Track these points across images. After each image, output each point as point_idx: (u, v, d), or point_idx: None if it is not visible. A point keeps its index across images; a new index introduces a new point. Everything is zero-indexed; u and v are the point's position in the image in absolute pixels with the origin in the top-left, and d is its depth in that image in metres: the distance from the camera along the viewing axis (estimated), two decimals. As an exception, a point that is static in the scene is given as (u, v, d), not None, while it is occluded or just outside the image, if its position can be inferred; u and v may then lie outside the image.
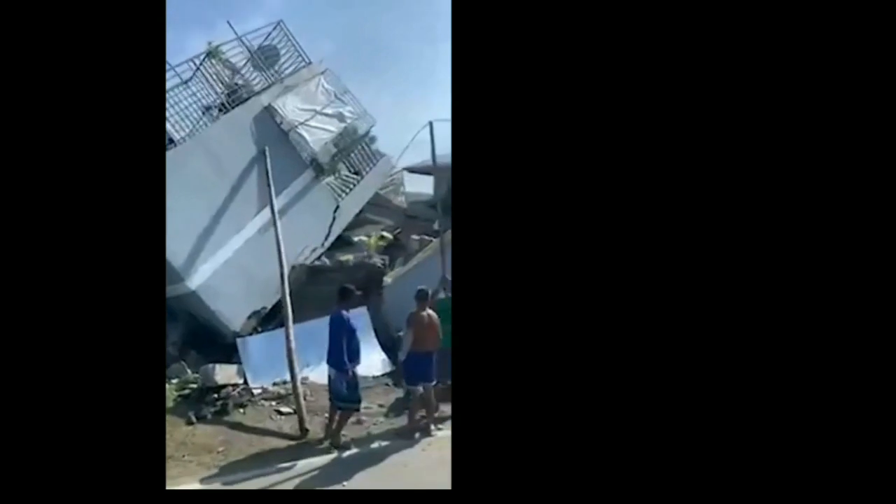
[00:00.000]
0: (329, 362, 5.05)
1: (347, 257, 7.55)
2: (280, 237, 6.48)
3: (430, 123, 6.61)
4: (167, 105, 6.65)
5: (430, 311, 5.28)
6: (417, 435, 5.13)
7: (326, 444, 5.00)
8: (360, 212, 9.64)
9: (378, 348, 6.92)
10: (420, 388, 5.19)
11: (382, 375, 6.70)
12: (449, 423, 5.43)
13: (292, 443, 5.10)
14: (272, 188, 6.88)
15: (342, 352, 4.93)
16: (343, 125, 8.55)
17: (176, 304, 6.57)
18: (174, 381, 5.79)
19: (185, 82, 6.96)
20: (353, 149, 8.93)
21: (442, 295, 6.20)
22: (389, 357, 6.82)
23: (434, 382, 5.28)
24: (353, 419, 5.59)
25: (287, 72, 8.21)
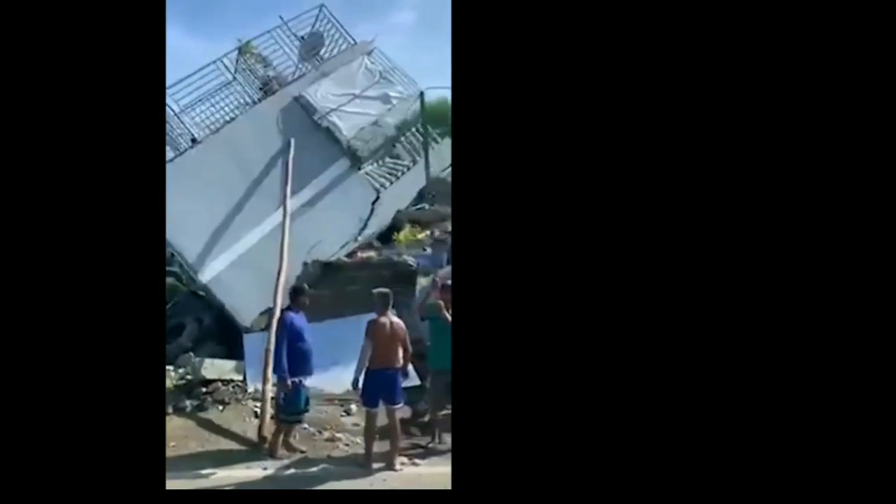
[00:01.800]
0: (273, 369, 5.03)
1: (370, 254, 7.40)
2: (286, 231, 6.66)
3: (422, 94, 5.96)
4: (202, 108, 7.45)
5: (395, 319, 4.76)
6: (376, 466, 4.67)
7: (278, 454, 4.99)
8: (425, 202, 9.42)
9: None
10: (377, 411, 4.77)
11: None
12: (428, 458, 4.88)
13: (244, 448, 5.26)
14: (289, 180, 7.11)
15: (280, 358, 4.83)
16: (387, 107, 8.43)
17: (197, 298, 7.33)
18: (180, 370, 6.45)
19: (227, 84, 7.65)
20: (403, 132, 8.75)
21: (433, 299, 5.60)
22: (416, 368, 6.47)
23: (399, 405, 4.77)
24: (326, 435, 5.49)
25: (329, 56, 8.42)
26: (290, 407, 4.85)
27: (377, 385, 4.69)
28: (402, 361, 4.76)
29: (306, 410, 5.07)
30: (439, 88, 8.24)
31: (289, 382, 4.75)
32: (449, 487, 2.29)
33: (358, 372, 4.70)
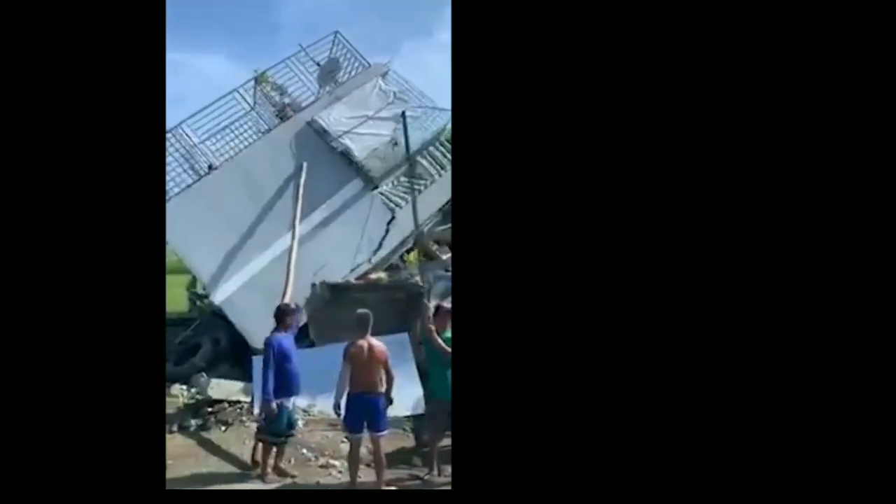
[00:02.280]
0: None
1: (380, 276, 7.45)
2: (294, 254, 6.85)
3: (403, 113, 5.93)
4: (223, 136, 7.87)
5: (375, 342, 4.69)
6: None
7: (268, 478, 5.05)
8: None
9: (416, 383, 6.45)
10: (361, 437, 4.69)
11: (407, 417, 5.97)
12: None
13: (236, 470, 5.35)
14: (299, 203, 7.33)
15: (266, 380, 4.91)
16: (400, 126, 8.55)
17: (219, 318, 7.64)
18: (192, 389, 6.72)
19: (246, 113, 8.06)
20: (420, 151, 8.81)
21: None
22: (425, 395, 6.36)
23: (384, 432, 4.70)
24: (321, 462, 5.50)
25: (345, 80, 8.68)
26: (273, 427, 4.89)
27: (359, 410, 4.63)
28: (384, 386, 4.71)
29: (291, 433, 5.12)
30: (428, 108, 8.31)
31: (273, 405, 4.83)
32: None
33: (338, 396, 4.65)
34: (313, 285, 7.16)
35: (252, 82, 8.13)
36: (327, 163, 8.05)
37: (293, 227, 7.11)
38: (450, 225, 9.62)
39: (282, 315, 5.16)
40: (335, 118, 8.12)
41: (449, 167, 8.74)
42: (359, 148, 8.08)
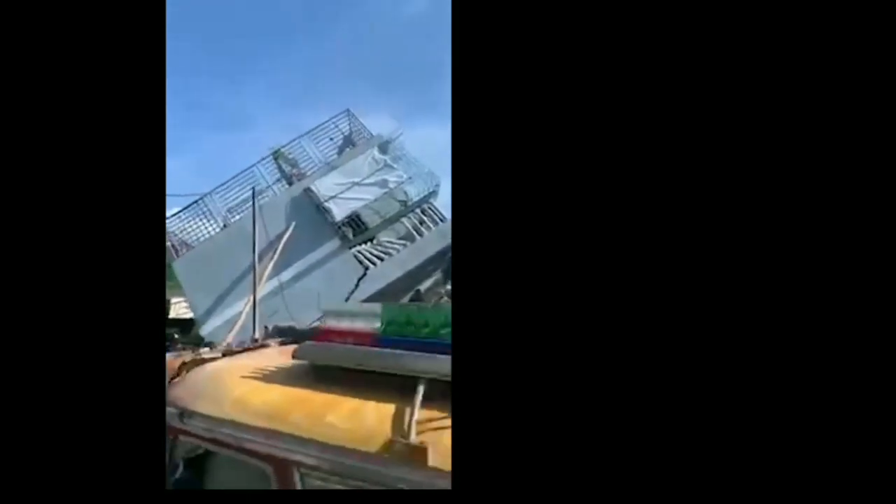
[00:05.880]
0: None
1: (317, 324, 9.02)
2: (255, 298, 8.95)
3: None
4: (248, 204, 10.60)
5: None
6: None
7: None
8: (429, 277, 10.56)
9: None
10: None
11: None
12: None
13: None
14: (275, 256, 9.46)
15: None
16: (384, 191, 10.13)
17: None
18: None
19: (272, 184, 10.67)
20: (403, 213, 10.22)
21: None
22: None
23: None
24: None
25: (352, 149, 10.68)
26: None
27: None
28: None
29: None
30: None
31: None
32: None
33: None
34: (266, 328, 9.13)
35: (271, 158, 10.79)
36: (314, 224, 10.11)
37: (261, 277, 9.28)
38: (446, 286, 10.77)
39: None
40: (327, 185, 10.16)
41: (428, 231, 10.05)
42: (339, 211, 9.96)
